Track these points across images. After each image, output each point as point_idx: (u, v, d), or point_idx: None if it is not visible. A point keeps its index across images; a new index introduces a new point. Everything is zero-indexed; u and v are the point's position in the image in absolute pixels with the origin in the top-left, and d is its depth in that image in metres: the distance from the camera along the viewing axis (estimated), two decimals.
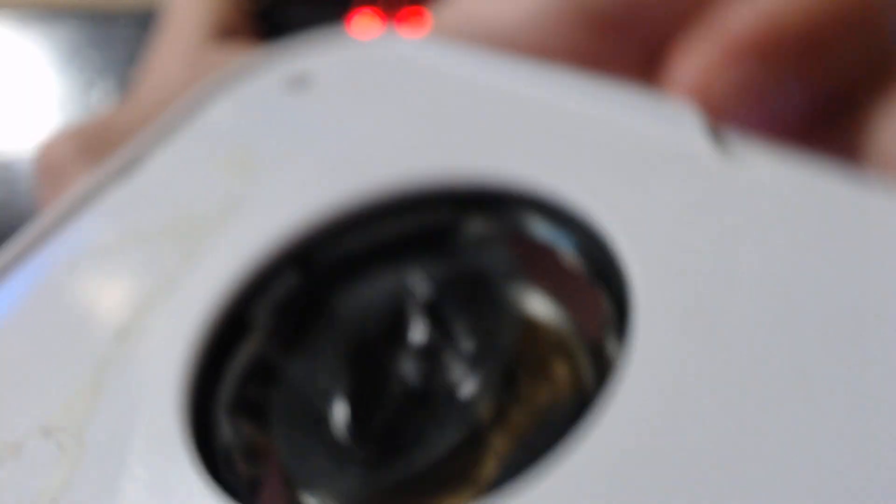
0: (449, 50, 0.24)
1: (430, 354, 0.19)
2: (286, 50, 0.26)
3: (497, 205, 0.20)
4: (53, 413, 0.17)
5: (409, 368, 0.19)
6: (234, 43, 0.57)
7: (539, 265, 0.19)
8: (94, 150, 0.28)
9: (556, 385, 0.17)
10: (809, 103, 0.21)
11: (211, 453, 0.17)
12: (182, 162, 0.24)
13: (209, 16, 0.55)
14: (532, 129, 0.20)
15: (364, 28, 0.59)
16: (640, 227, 0.16)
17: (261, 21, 0.61)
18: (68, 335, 0.20)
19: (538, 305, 0.19)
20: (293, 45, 0.26)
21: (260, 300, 0.20)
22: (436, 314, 0.20)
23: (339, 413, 0.18)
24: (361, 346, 0.20)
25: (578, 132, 0.19)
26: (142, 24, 0.61)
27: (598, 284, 0.18)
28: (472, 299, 0.20)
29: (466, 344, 0.19)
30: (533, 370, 0.18)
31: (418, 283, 0.20)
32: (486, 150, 0.20)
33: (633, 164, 0.17)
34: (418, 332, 0.19)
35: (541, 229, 0.19)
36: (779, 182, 0.15)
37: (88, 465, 0.16)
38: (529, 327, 0.19)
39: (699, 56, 0.21)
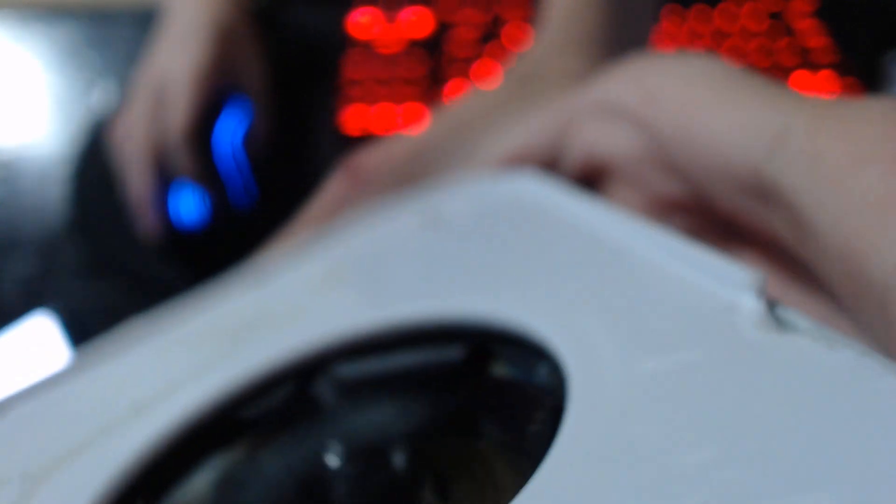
0: (574, 198, 0.25)
1: None
2: (429, 192, 0.29)
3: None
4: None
5: None
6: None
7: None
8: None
9: None
10: None
11: None
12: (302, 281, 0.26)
13: (210, 15, 0.56)
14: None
15: None
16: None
17: (261, 20, 0.61)
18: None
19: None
20: (436, 188, 0.29)
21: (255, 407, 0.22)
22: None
23: None
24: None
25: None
26: (142, 24, 0.61)
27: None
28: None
29: None
30: None
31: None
32: (524, 295, 0.21)
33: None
34: None
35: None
36: (815, 359, 0.15)
37: None
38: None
39: None
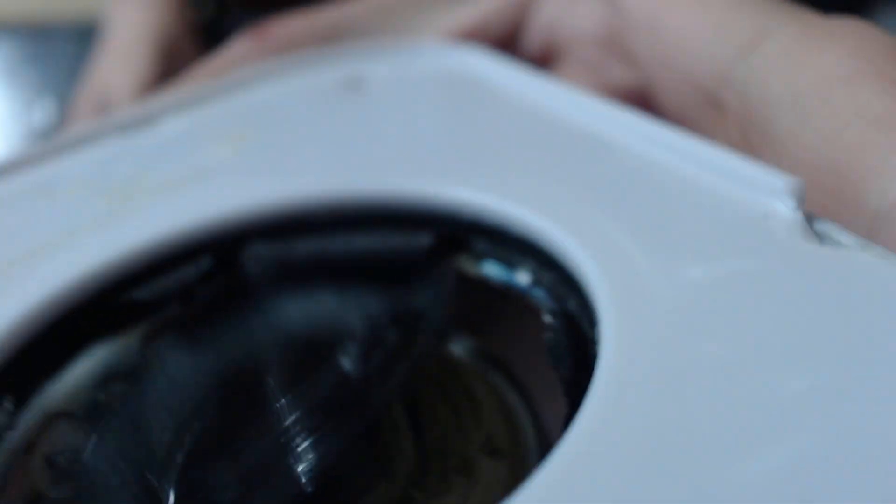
0: (503, 67, 0.22)
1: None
2: (350, 51, 0.25)
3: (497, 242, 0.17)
4: None
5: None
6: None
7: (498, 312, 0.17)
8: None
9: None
10: None
11: None
12: (192, 129, 0.22)
13: (152, 27, 0.51)
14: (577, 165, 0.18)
15: None
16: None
17: (204, 31, 0.56)
18: None
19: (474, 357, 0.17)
20: (350, 48, 0.25)
21: (157, 285, 0.17)
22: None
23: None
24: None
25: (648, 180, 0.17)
26: (81, 39, 0.57)
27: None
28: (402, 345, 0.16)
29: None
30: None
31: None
32: (505, 180, 0.17)
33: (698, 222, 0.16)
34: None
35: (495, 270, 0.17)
36: (857, 268, 0.13)
37: None
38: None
39: None
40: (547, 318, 0.15)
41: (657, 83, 0.21)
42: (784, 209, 0.14)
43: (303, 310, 0.17)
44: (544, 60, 0.25)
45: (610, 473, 0.10)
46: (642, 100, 0.22)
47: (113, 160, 0.21)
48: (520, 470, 0.14)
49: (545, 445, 0.15)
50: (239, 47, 0.28)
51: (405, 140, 0.20)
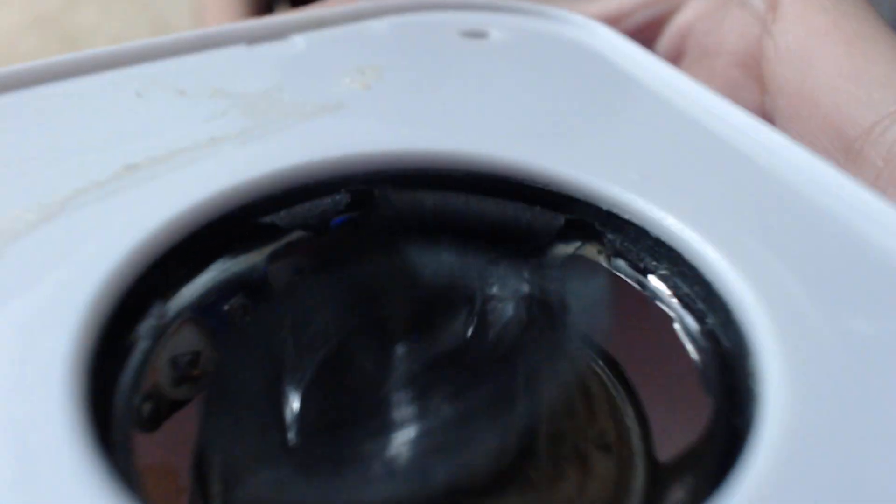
0: (631, 47, 0.22)
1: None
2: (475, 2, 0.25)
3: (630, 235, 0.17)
4: None
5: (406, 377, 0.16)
6: None
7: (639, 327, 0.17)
8: None
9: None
10: None
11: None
12: (320, 51, 0.23)
13: None
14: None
15: None
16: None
17: None
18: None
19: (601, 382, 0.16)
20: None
21: (293, 212, 0.17)
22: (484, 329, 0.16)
23: (291, 403, 0.15)
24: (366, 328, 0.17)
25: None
26: None
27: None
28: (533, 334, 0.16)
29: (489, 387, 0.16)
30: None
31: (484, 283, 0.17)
32: (645, 176, 0.17)
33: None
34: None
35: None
36: None
37: None
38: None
39: None
40: (679, 328, 0.15)
41: (789, 115, 0.21)
42: None
43: (426, 261, 0.18)
44: (673, 60, 0.25)
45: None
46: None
47: (246, 70, 0.21)
48: (627, 468, 0.15)
49: (650, 450, 0.15)
50: None
51: (536, 108, 0.20)
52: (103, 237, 0.15)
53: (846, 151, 0.20)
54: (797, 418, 0.12)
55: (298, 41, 0.23)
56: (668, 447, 0.15)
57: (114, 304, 0.14)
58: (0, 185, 0.16)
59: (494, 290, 0.17)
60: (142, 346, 0.15)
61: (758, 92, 0.23)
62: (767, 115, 0.23)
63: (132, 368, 0.14)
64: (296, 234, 0.17)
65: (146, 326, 0.15)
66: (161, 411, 0.15)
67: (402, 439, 0.15)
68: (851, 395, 0.12)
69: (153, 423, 0.15)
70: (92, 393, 0.13)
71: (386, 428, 0.15)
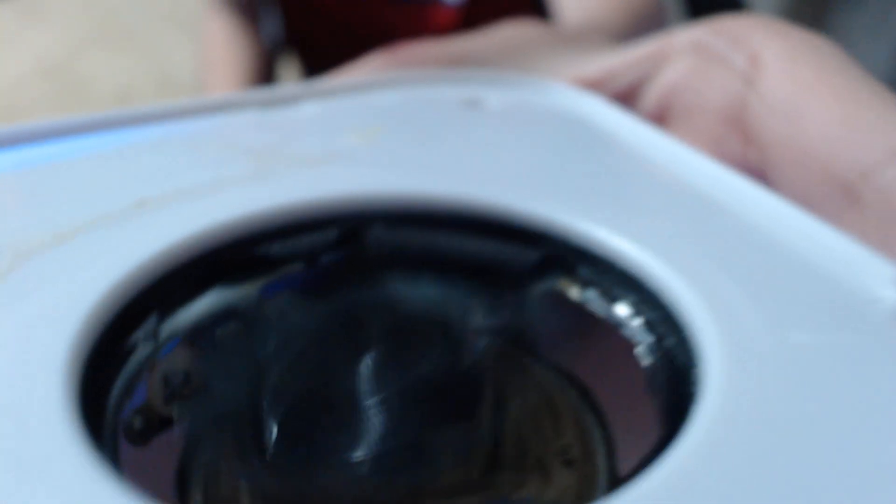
0: (613, 111, 0.24)
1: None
2: (469, 75, 0.27)
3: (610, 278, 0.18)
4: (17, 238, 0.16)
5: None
6: None
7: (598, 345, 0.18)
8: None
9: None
10: None
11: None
12: (327, 115, 0.25)
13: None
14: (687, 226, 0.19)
15: None
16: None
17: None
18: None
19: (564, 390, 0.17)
20: (474, 73, 0.27)
21: (286, 245, 0.19)
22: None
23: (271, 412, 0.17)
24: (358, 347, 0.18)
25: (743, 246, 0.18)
26: None
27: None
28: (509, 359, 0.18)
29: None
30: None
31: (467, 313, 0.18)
32: (617, 216, 0.18)
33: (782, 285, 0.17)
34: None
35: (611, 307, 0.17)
36: None
37: None
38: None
39: None
40: (641, 351, 0.16)
41: (784, 166, 0.22)
42: (893, 297, 0.15)
43: (411, 294, 0.19)
44: (658, 119, 0.26)
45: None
46: (755, 179, 0.23)
47: (256, 129, 0.23)
48: (590, 484, 0.15)
49: (613, 467, 0.16)
50: (373, 61, 0.29)
51: (521, 162, 0.22)
52: (108, 258, 0.16)
53: (846, 194, 0.20)
54: (726, 413, 0.13)
55: (308, 107, 0.25)
56: (629, 461, 0.16)
57: (112, 317, 0.15)
58: (23, 217, 0.18)
59: (470, 321, 0.18)
60: (136, 358, 0.16)
61: (741, 145, 0.24)
62: (751, 167, 0.23)
63: (125, 378, 0.16)
64: (288, 266, 0.19)
65: (140, 340, 0.16)
66: (152, 426, 0.16)
67: (374, 449, 0.16)
68: (780, 392, 0.13)
69: (143, 437, 0.16)
70: (84, 395, 0.14)
71: (359, 439, 0.16)
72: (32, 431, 0.13)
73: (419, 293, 0.19)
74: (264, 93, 0.25)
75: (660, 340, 0.16)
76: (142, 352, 0.16)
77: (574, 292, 0.18)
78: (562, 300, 0.18)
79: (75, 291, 0.15)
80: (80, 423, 0.13)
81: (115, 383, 0.16)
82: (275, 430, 0.16)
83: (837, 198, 0.20)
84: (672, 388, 0.15)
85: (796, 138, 0.21)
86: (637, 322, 0.17)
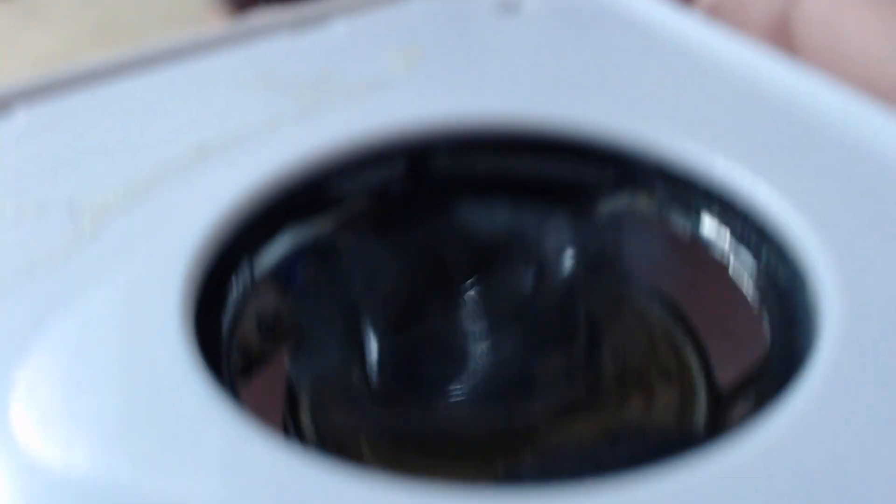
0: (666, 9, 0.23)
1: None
2: None
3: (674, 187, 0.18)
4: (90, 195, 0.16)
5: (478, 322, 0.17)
6: None
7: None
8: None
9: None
10: None
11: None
12: (361, 35, 0.24)
13: None
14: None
15: None
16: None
17: None
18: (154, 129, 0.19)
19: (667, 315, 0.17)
20: None
21: (355, 180, 0.19)
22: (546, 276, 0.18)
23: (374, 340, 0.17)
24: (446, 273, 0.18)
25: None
26: None
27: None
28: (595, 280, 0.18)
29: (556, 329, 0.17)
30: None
31: (545, 234, 0.18)
32: (693, 128, 0.18)
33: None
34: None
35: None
36: None
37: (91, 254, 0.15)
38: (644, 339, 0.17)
39: None
40: (733, 268, 0.16)
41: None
42: None
43: (484, 220, 0.19)
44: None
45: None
46: None
47: (292, 57, 0.22)
48: (689, 400, 0.16)
49: (710, 381, 0.16)
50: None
51: (574, 71, 0.21)
52: (188, 209, 0.16)
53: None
54: (853, 347, 0.13)
55: (338, 27, 0.24)
56: (726, 377, 0.16)
57: (208, 264, 0.15)
58: (90, 170, 0.18)
59: (551, 244, 0.18)
60: (233, 300, 0.16)
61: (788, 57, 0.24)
62: None
63: (229, 318, 0.16)
64: (360, 201, 0.19)
65: (237, 283, 0.16)
66: (251, 364, 0.17)
67: (475, 377, 0.16)
68: None
69: (244, 375, 0.16)
70: (200, 336, 0.14)
71: (459, 369, 0.16)
72: (162, 377, 0.13)
73: (494, 219, 0.19)
74: (292, 13, 0.24)
75: (756, 256, 0.16)
76: (239, 292, 0.16)
77: (656, 210, 0.18)
78: (643, 218, 0.18)
79: (170, 245, 0.15)
80: (203, 368, 0.13)
81: (222, 325, 0.16)
82: (376, 362, 0.16)
83: None
84: (778, 309, 0.15)
85: (836, 51, 0.21)
86: (729, 237, 0.17)
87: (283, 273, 0.17)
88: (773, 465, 0.10)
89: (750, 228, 0.16)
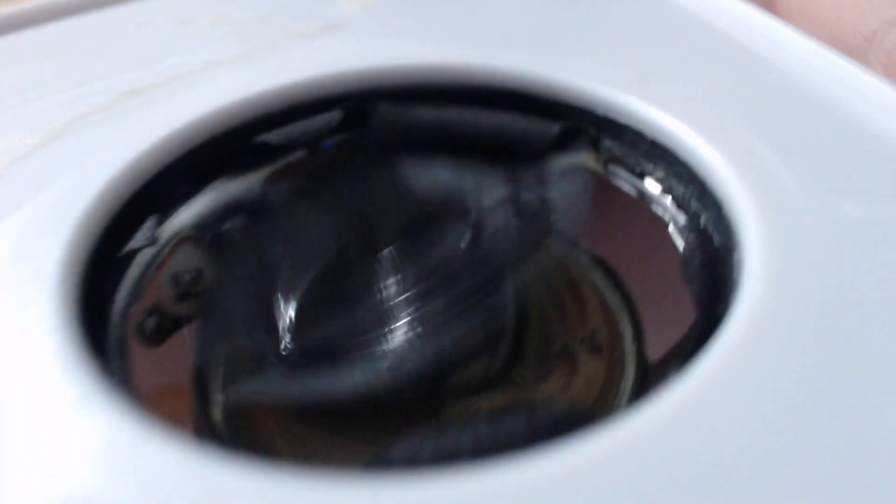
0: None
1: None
2: None
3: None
4: None
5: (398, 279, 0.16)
6: None
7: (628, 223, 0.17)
8: None
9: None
10: None
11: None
12: None
13: None
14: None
15: None
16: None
17: None
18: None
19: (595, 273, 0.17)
20: None
21: (286, 131, 0.18)
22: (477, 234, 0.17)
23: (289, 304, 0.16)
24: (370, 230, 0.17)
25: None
26: None
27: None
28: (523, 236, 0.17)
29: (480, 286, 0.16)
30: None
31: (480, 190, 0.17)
32: (647, 82, 0.17)
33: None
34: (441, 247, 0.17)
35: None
36: None
37: None
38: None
39: None
40: (672, 230, 0.15)
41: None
42: None
43: (422, 176, 0.18)
44: None
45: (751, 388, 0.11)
46: None
47: None
48: (617, 370, 0.15)
49: (642, 352, 0.15)
50: None
51: (535, 22, 0.20)
52: (100, 156, 0.15)
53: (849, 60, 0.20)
54: (772, 304, 0.12)
55: None
56: (659, 347, 0.15)
57: (110, 218, 0.15)
58: (4, 114, 0.17)
59: (487, 201, 0.17)
60: (139, 259, 0.15)
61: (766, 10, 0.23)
62: None
63: (130, 281, 0.15)
64: (292, 154, 0.18)
65: (142, 240, 0.15)
66: (164, 326, 0.16)
67: (393, 341, 0.15)
68: (834, 277, 0.12)
69: (157, 337, 0.16)
70: (86, 302, 0.13)
71: (375, 336, 0.15)
72: (31, 344, 0.12)
73: (431, 175, 0.18)
74: None
75: (695, 218, 0.15)
76: (146, 253, 0.16)
77: (598, 166, 0.17)
78: (585, 174, 0.17)
79: (68, 195, 0.14)
80: (80, 332, 0.12)
81: (120, 287, 0.15)
82: (290, 325, 0.16)
83: None
84: (707, 269, 0.14)
85: (810, 5, 0.21)
86: (667, 198, 0.16)
87: (205, 230, 0.16)
88: (643, 454, 0.10)
89: (692, 187, 0.15)
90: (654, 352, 0.15)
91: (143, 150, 0.16)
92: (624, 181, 0.17)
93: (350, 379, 0.14)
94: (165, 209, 0.16)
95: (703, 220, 0.15)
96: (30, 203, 0.14)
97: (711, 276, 0.14)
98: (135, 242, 0.15)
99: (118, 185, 0.15)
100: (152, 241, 0.15)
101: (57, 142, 0.16)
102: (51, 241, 0.13)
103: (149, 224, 0.15)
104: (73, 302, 0.13)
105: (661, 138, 0.16)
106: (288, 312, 0.16)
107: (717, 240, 0.14)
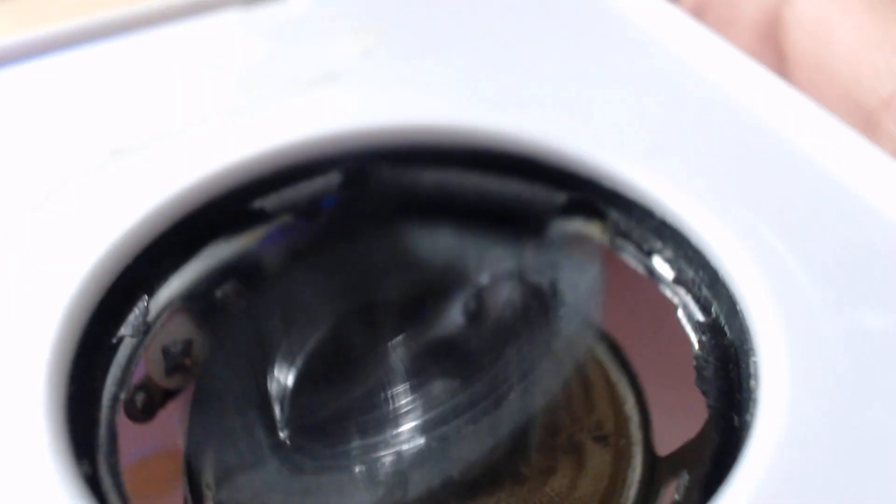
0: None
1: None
2: None
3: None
4: None
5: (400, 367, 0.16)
6: None
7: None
8: None
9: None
10: None
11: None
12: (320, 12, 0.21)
13: None
14: None
15: None
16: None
17: None
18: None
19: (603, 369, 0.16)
20: None
21: (283, 195, 0.17)
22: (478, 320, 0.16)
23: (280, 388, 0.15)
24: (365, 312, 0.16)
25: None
26: None
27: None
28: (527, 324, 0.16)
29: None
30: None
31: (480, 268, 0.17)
32: (654, 152, 0.16)
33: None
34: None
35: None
36: None
37: None
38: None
39: None
40: (681, 315, 0.15)
41: (807, 86, 0.20)
42: None
43: (424, 242, 0.17)
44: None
45: None
46: None
47: (241, 40, 0.20)
48: (624, 461, 0.14)
49: (649, 440, 0.15)
50: None
51: (543, 71, 0.19)
52: (86, 230, 0.15)
53: (864, 122, 0.19)
54: (795, 421, 0.11)
55: (299, 1, 0.22)
56: (669, 438, 0.15)
57: (97, 301, 0.14)
58: None
59: (492, 273, 0.16)
60: (129, 340, 0.14)
61: (776, 63, 0.22)
62: None
63: (119, 364, 0.14)
64: (287, 218, 0.17)
65: (132, 320, 0.15)
66: (155, 401, 0.15)
67: (394, 435, 0.14)
68: (853, 396, 0.12)
69: (147, 413, 0.15)
70: (72, 395, 0.13)
71: (377, 423, 0.15)
72: (13, 440, 0.12)
73: (432, 243, 0.17)
74: None
75: (706, 308, 0.14)
76: (135, 329, 0.15)
77: (604, 238, 0.16)
78: (591, 249, 0.16)
79: (54, 277, 0.14)
80: (68, 427, 0.12)
81: (111, 368, 0.14)
82: (286, 410, 0.15)
83: (854, 123, 0.19)
84: (721, 371, 0.13)
85: (823, 57, 0.20)
86: (677, 281, 0.15)
87: (196, 299, 0.16)
88: None
89: (703, 273, 0.14)
90: (662, 440, 0.15)
91: (134, 225, 0.15)
92: (631, 256, 0.16)
93: (353, 499, 0.14)
94: (155, 282, 0.15)
95: (714, 309, 0.14)
96: (11, 289, 0.14)
97: (727, 379, 0.13)
98: (124, 330, 0.14)
99: (106, 264, 0.14)
100: (143, 331, 0.14)
101: (38, 212, 0.15)
102: (38, 333, 0.13)
103: (136, 312, 0.14)
104: (58, 405, 0.12)
105: (670, 219, 0.15)
106: (283, 392, 0.15)
107: (730, 336, 0.13)
